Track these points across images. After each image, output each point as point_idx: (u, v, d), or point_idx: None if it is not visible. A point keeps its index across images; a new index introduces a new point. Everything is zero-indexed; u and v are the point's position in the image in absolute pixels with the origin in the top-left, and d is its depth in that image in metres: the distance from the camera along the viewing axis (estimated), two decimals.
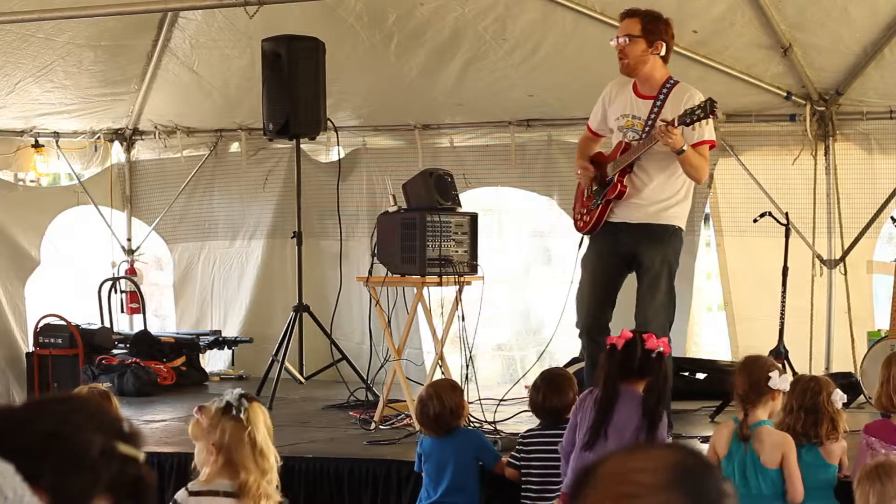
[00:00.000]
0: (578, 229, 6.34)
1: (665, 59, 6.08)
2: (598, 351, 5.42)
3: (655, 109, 6.00)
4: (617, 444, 4.47)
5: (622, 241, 6.10)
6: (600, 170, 6.21)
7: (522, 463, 5.21)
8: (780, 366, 4.61)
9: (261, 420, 3.89)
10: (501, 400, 6.93)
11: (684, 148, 5.80)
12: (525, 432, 5.36)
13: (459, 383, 5.73)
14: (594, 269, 6.17)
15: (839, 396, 4.58)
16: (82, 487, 1.94)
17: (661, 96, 6.01)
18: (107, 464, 1.96)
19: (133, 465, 2.01)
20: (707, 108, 5.71)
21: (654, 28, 6.02)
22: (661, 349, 4.50)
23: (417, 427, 6.20)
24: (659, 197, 6.04)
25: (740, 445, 4.42)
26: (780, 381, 4.44)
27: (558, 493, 4.79)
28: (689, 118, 5.75)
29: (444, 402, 5.23)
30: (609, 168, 6.14)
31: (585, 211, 6.25)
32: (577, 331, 6.23)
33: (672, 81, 6.05)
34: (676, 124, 5.75)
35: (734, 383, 4.54)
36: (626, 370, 4.52)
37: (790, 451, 4.38)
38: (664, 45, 6.04)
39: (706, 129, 5.98)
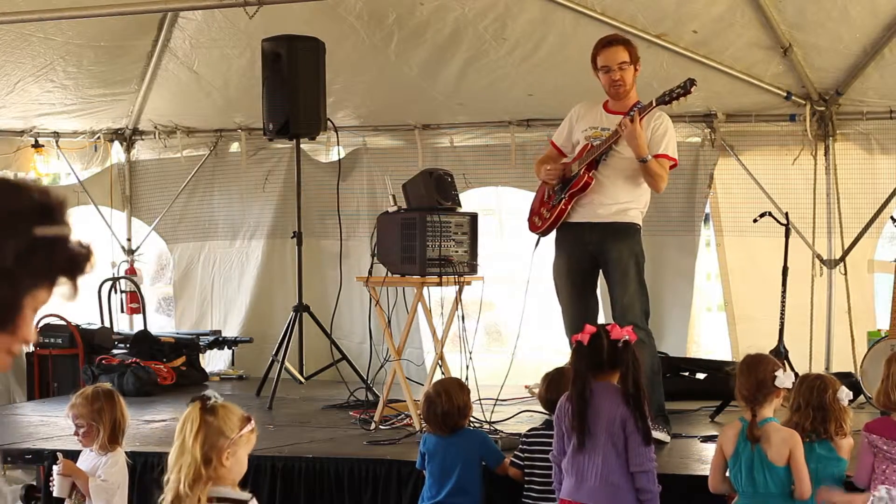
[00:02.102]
0: (534, 229, 6.44)
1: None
2: None
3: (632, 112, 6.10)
4: (608, 438, 4.47)
5: (587, 240, 6.22)
6: (564, 170, 6.31)
7: (526, 462, 5.20)
8: (781, 364, 4.61)
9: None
10: (502, 400, 6.93)
11: (647, 157, 5.94)
12: (528, 431, 5.36)
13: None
14: (567, 272, 6.30)
15: (845, 394, 4.58)
16: (5, 300, 1.74)
17: (631, 112, 6.12)
18: (27, 263, 1.74)
19: (61, 247, 1.76)
20: (686, 87, 5.88)
21: (634, 52, 6.22)
22: (627, 338, 4.51)
23: (418, 426, 6.21)
24: (621, 199, 6.18)
25: (747, 444, 4.42)
26: (786, 379, 4.45)
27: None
28: (669, 96, 5.93)
29: (452, 401, 5.23)
30: (574, 166, 6.26)
31: (545, 210, 6.34)
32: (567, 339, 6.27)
33: (640, 104, 6.18)
34: (655, 104, 5.92)
35: (737, 384, 4.53)
36: (597, 364, 4.52)
37: (797, 447, 4.38)
38: (640, 65, 6.26)
39: (671, 147, 6.14)
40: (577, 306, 6.23)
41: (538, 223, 6.41)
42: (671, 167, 6.18)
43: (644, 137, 5.93)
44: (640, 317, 6.04)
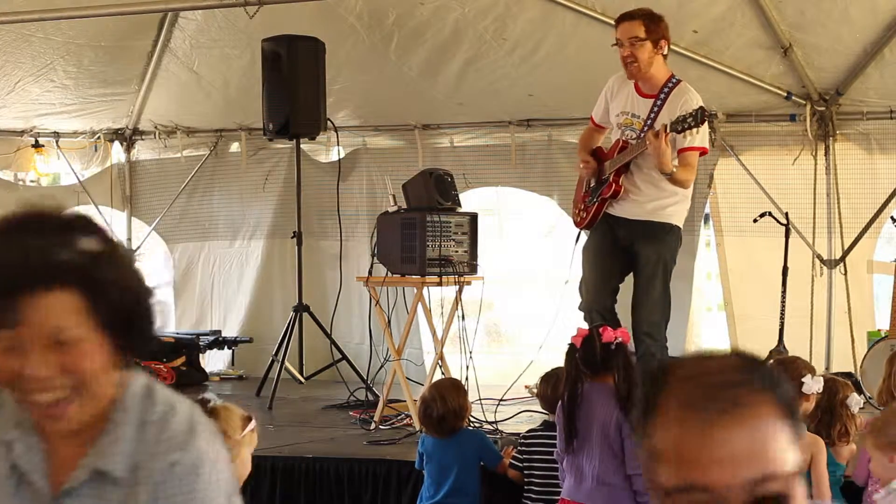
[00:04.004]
0: (576, 224, 6.39)
1: (665, 56, 6.09)
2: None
3: (655, 109, 6.01)
4: (602, 441, 4.48)
5: (620, 235, 6.14)
6: (600, 166, 6.23)
7: (525, 463, 5.20)
8: (813, 367, 4.58)
9: None
10: (502, 400, 6.94)
11: (672, 172, 5.83)
12: (527, 432, 5.36)
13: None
14: (595, 255, 6.21)
15: (855, 401, 4.57)
16: None
17: (662, 96, 6.02)
18: None
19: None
20: (698, 117, 5.72)
21: (655, 28, 6.02)
22: (620, 340, 4.51)
23: (418, 426, 6.20)
24: (657, 195, 6.06)
25: None
26: (814, 384, 4.42)
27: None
28: (681, 126, 5.77)
29: (447, 404, 5.22)
30: (607, 165, 6.16)
31: (583, 207, 6.29)
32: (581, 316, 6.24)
33: (673, 81, 6.06)
34: (668, 131, 5.76)
35: None
36: (591, 366, 4.53)
37: (819, 453, 4.35)
38: (666, 43, 6.06)
39: (697, 136, 5.99)
40: (597, 286, 6.15)
41: (577, 220, 6.36)
42: (701, 155, 6.10)
43: (668, 154, 5.79)
44: (656, 326, 5.97)
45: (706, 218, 8.63)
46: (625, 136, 6.12)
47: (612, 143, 6.26)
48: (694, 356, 1.53)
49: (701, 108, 5.76)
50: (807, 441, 4.40)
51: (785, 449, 1.44)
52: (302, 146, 8.51)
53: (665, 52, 6.05)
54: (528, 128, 8.90)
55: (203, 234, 9.93)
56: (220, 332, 9.57)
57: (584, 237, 6.39)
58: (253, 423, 3.66)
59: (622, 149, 6.09)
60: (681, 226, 6.18)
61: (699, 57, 7.73)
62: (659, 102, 6.01)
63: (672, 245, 6.12)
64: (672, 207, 6.09)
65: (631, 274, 6.21)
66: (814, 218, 8.06)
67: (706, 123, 5.94)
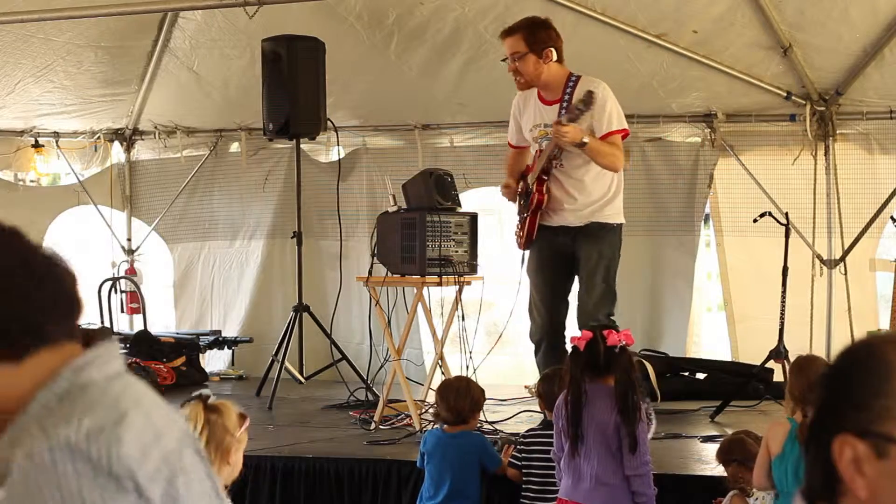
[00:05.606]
0: (519, 247, 6.40)
1: (560, 59, 6.07)
2: (559, 358, 5.48)
3: (562, 112, 6.01)
4: (600, 441, 4.49)
5: (561, 241, 6.16)
6: (525, 182, 6.25)
7: (524, 462, 5.21)
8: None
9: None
10: (501, 400, 6.94)
11: (585, 140, 5.80)
12: (526, 432, 5.38)
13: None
14: (540, 273, 6.24)
15: None
16: None
17: (566, 97, 6.02)
18: None
19: None
20: (588, 101, 5.71)
21: (537, 38, 6.03)
22: (624, 343, 4.52)
23: (418, 426, 6.22)
24: (590, 199, 6.08)
25: (795, 445, 4.38)
26: None
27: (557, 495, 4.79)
28: (572, 115, 5.77)
29: (470, 392, 5.28)
30: (529, 179, 6.19)
31: (519, 227, 6.31)
32: (533, 343, 6.27)
33: (573, 78, 6.05)
34: (565, 122, 5.77)
35: (787, 384, 4.52)
36: (593, 369, 4.54)
37: None
38: (553, 50, 6.03)
39: (614, 119, 5.98)
40: (548, 313, 6.17)
41: (518, 241, 6.38)
42: (623, 137, 6.06)
43: (578, 130, 5.78)
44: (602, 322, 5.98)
45: (706, 218, 8.64)
46: (541, 147, 6.14)
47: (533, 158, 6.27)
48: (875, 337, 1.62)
49: (588, 91, 5.74)
50: None
51: None
52: (302, 146, 8.51)
53: (555, 59, 6.02)
54: None
55: (203, 234, 9.94)
56: (220, 332, 9.58)
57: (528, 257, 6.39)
58: (247, 422, 3.66)
59: (537, 159, 6.12)
60: (623, 222, 6.19)
61: (699, 57, 7.74)
62: (565, 104, 6.01)
63: (612, 242, 6.13)
64: (609, 207, 6.10)
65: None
66: (814, 218, 8.06)
67: (615, 105, 5.94)
